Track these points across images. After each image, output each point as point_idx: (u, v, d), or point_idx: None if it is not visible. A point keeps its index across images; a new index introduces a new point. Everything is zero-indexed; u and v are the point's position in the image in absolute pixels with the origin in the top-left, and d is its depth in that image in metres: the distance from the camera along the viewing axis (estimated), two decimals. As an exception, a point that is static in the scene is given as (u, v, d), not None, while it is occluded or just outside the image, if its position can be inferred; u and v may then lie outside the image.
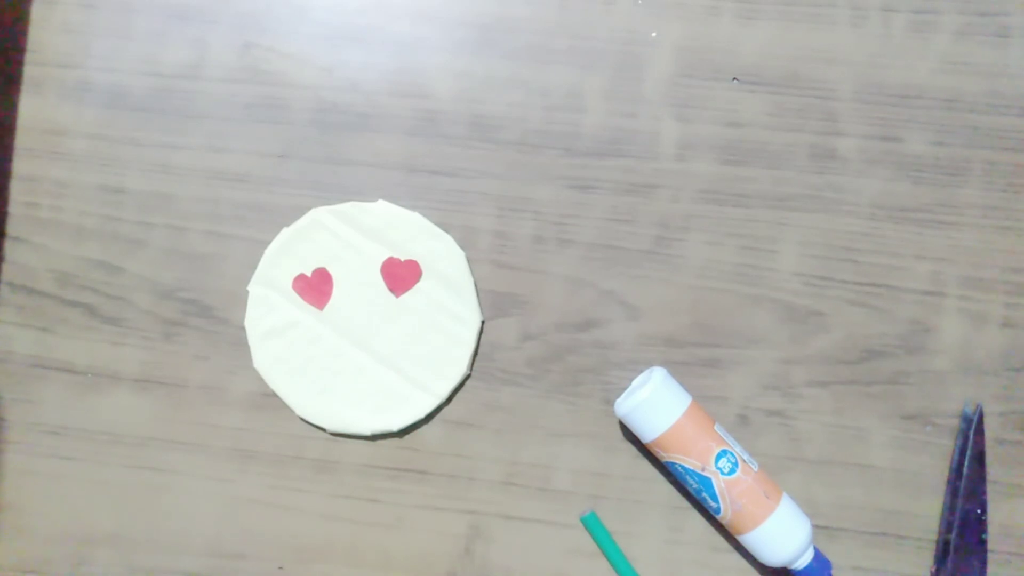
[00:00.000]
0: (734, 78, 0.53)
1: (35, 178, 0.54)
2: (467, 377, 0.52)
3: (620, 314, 0.52)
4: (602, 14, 0.53)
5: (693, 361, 0.52)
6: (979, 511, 0.50)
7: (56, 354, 0.54)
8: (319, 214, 0.52)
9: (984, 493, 0.50)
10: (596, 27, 0.53)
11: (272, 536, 0.52)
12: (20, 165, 0.54)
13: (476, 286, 0.52)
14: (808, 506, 0.51)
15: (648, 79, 0.53)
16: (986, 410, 0.51)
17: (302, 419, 0.52)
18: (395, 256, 0.52)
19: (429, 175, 0.53)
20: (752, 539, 0.48)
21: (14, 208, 0.54)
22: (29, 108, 0.54)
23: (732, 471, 0.47)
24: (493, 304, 0.53)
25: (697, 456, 0.47)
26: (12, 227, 0.54)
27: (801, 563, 0.48)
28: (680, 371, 0.52)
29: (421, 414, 0.51)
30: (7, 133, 0.54)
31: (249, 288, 0.52)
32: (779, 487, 0.49)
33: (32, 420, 0.54)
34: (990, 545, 0.50)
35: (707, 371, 0.52)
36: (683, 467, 0.48)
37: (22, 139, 0.54)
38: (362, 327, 0.52)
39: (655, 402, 0.48)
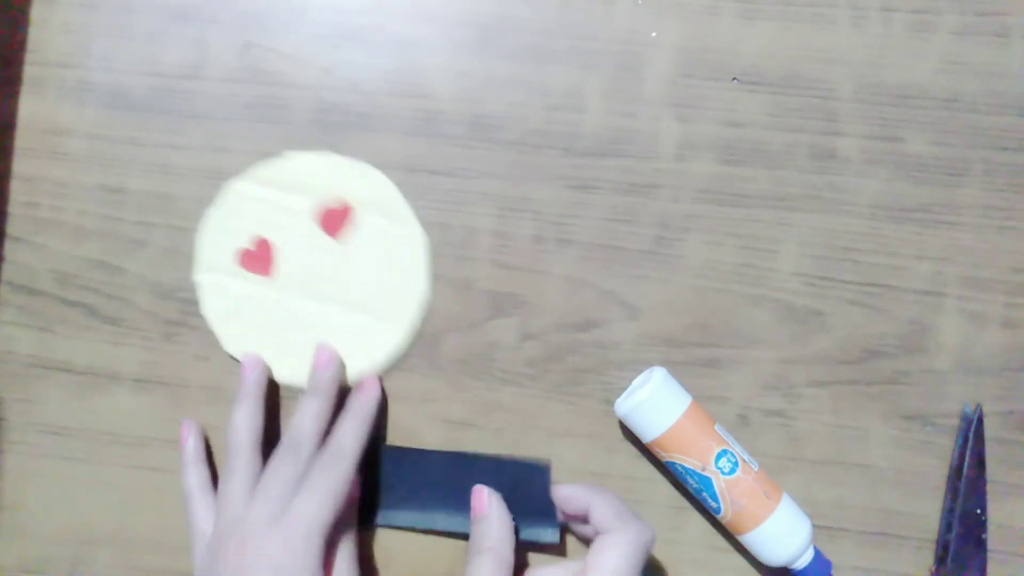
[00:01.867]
0: (734, 78, 0.53)
1: (35, 178, 0.54)
2: (428, 297, 0.52)
3: (620, 314, 0.52)
4: (602, 14, 0.53)
5: (693, 361, 0.52)
6: (979, 511, 0.50)
7: (56, 354, 0.54)
8: (237, 185, 0.53)
9: (984, 493, 0.50)
10: (596, 27, 0.53)
11: (272, 536, 0.52)
12: (20, 165, 0.54)
13: (410, 205, 0.52)
14: (808, 506, 0.51)
15: (648, 79, 0.53)
16: (986, 410, 0.51)
17: (285, 385, 0.52)
18: (323, 201, 0.52)
19: (429, 175, 0.53)
20: (752, 539, 0.48)
21: (14, 208, 0.54)
22: (29, 108, 0.54)
23: (732, 471, 0.47)
24: (493, 304, 0.53)
25: (697, 456, 0.47)
26: (12, 227, 0.54)
27: (801, 563, 0.48)
28: (680, 371, 0.52)
29: (396, 345, 0.52)
30: (7, 133, 0.54)
31: (196, 278, 0.52)
32: (779, 487, 0.49)
33: (32, 420, 0.54)
34: (990, 545, 0.50)
35: (707, 371, 0.52)
36: (683, 467, 0.48)
37: (22, 139, 0.54)
38: (315, 280, 0.52)
39: (655, 402, 0.48)
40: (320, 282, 0.52)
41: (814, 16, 0.52)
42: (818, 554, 0.48)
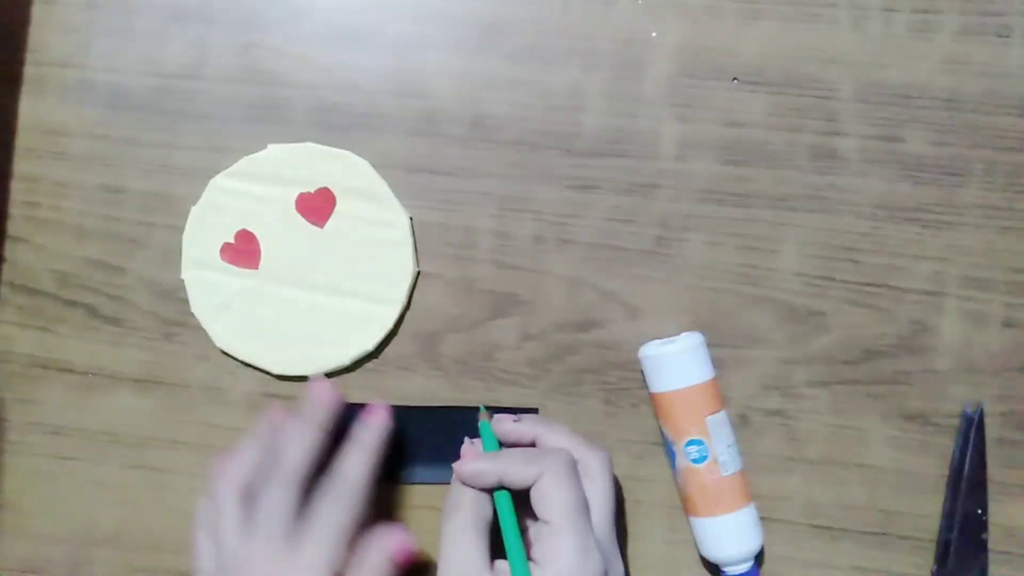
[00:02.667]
0: (734, 78, 0.53)
1: (35, 178, 0.54)
2: (418, 274, 0.52)
3: (620, 314, 0.52)
4: (602, 14, 0.53)
5: (693, 361, 0.52)
6: (980, 511, 0.50)
7: (56, 354, 0.54)
8: (217, 181, 0.53)
9: (985, 493, 0.50)
10: (596, 27, 0.53)
11: (272, 536, 0.52)
12: (20, 165, 0.54)
13: (391, 187, 0.52)
14: (808, 506, 0.51)
15: (648, 79, 0.53)
16: (986, 410, 0.51)
17: (281, 376, 0.52)
18: (304, 190, 0.52)
19: (429, 175, 0.53)
20: (695, 524, 0.50)
21: (14, 208, 0.54)
22: (29, 108, 0.54)
23: (698, 460, 0.48)
24: (493, 304, 0.53)
25: (674, 430, 0.49)
26: (12, 227, 0.54)
27: (732, 570, 0.49)
28: (680, 371, 0.52)
29: (389, 325, 0.52)
30: (7, 133, 0.54)
31: (183, 276, 0.53)
32: (748, 497, 0.49)
33: (32, 420, 0.54)
34: (991, 545, 0.50)
35: (707, 371, 0.52)
36: (662, 430, 0.50)
37: (22, 139, 0.54)
38: (302, 269, 0.52)
39: (673, 362, 0.49)
40: (307, 270, 0.52)
41: (814, 16, 0.52)
42: (754, 572, 0.49)
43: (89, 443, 0.53)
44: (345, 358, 0.52)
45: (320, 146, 0.53)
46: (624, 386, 0.52)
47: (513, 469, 0.43)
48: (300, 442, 0.45)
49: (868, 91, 0.52)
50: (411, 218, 0.53)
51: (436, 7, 0.54)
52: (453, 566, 0.42)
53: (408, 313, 0.53)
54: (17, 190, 0.54)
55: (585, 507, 0.43)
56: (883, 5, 0.52)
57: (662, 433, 0.50)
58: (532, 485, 0.43)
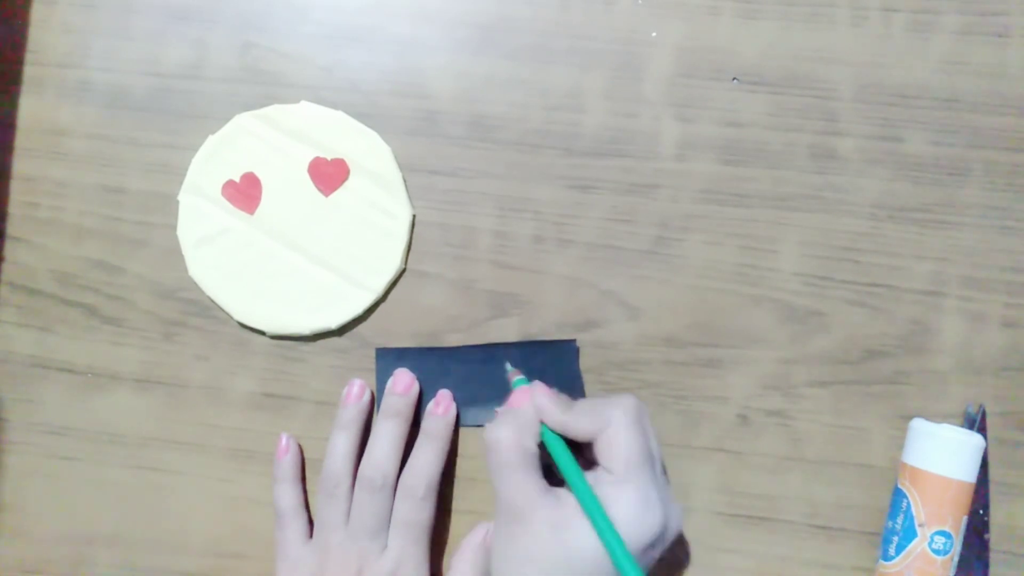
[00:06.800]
0: (734, 78, 0.53)
1: (35, 178, 0.54)
2: (402, 272, 0.52)
3: (620, 314, 0.52)
4: (602, 14, 0.53)
5: (693, 361, 0.52)
6: (981, 511, 0.50)
7: (56, 354, 0.54)
8: (243, 119, 0.53)
9: (986, 493, 0.50)
10: (596, 27, 0.53)
11: (272, 536, 0.52)
12: (20, 165, 0.54)
13: (405, 180, 0.52)
14: (808, 506, 0.51)
15: (648, 79, 0.53)
16: (987, 410, 0.51)
17: (240, 323, 0.52)
18: (321, 155, 0.52)
19: (429, 175, 0.53)
20: None
21: (14, 208, 0.54)
22: (29, 108, 0.54)
23: (939, 552, 0.47)
24: (493, 304, 0.53)
25: (930, 514, 0.47)
26: (12, 227, 0.54)
27: None
28: (680, 371, 0.52)
29: (358, 310, 0.52)
30: (7, 133, 0.54)
31: (179, 198, 0.53)
32: None
33: (32, 420, 0.54)
34: (992, 545, 0.50)
35: (707, 371, 0.52)
36: (907, 506, 0.47)
37: (22, 139, 0.54)
38: (294, 228, 0.52)
39: (966, 453, 0.47)
40: (298, 232, 0.52)
41: (814, 16, 0.52)
42: None
43: (89, 443, 0.53)
44: (306, 328, 0.52)
45: (351, 118, 0.53)
46: (624, 386, 0.52)
47: (578, 423, 0.44)
48: (388, 441, 0.49)
49: (868, 91, 0.52)
50: (414, 216, 0.53)
51: (436, 7, 0.54)
52: (507, 497, 0.43)
53: (409, 313, 0.53)
54: (17, 190, 0.54)
55: (649, 458, 0.43)
56: (883, 5, 0.52)
57: (899, 508, 0.48)
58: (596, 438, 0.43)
